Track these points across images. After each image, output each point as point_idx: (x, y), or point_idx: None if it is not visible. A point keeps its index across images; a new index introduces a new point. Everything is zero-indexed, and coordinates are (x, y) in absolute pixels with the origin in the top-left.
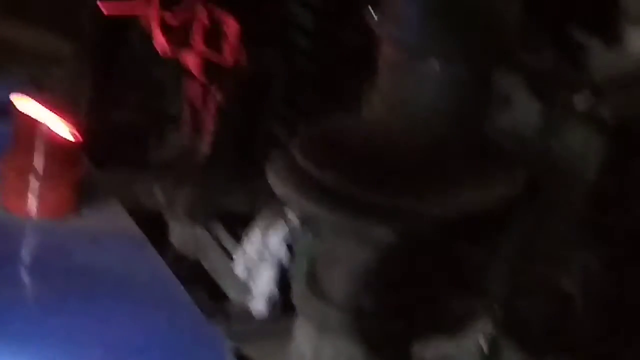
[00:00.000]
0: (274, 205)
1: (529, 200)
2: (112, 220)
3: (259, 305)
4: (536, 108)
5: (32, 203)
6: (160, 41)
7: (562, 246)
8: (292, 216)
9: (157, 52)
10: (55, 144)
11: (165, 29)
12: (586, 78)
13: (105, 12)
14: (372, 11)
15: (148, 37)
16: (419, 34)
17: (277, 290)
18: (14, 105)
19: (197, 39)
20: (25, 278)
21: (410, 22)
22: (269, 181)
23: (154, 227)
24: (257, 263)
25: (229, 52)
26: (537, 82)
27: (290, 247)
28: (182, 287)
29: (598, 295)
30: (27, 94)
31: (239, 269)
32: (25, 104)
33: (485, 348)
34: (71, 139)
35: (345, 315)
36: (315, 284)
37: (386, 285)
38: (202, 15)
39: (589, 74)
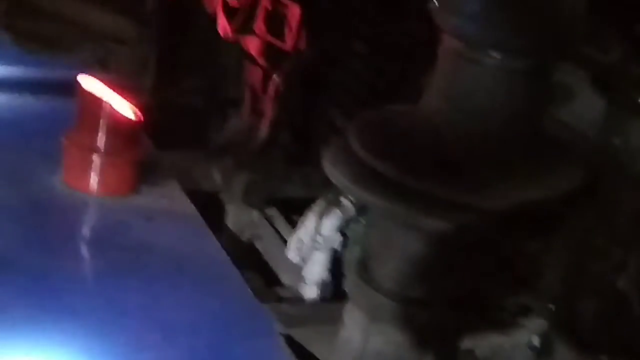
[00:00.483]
0: (330, 192)
1: (587, 196)
2: (170, 200)
3: (310, 290)
4: (599, 103)
5: (93, 180)
6: (223, 25)
7: (619, 244)
8: (346, 203)
9: (220, 36)
10: (118, 123)
11: (228, 13)
12: None
13: None
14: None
15: (211, 21)
16: (480, 25)
17: (329, 276)
18: (80, 85)
19: (259, 24)
20: (84, 253)
21: (472, 12)
22: (324, 168)
23: (210, 209)
24: (310, 249)
25: (290, 37)
26: (602, 77)
27: (344, 234)
28: (235, 270)
29: None
30: (93, 74)
31: (292, 254)
32: (90, 83)
33: (537, 344)
34: (134, 118)
35: (396, 304)
36: (366, 272)
37: (438, 277)
38: (264, 0)
39: None
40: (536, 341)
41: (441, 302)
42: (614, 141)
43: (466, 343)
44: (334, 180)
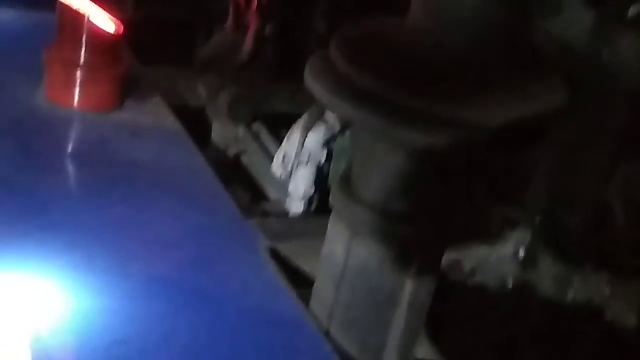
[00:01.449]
0: (315, 107)
1: (573, 110)
2: (154, 115)
3: (295, 205)
4: (588, 15)
5: (76, 96)
6: None
7: (605, 157)
8: (331, 118)
9: None
10: (99, 38)
11: None
12: None
13: None
14: None
15: None
16: None
17: (314, 191)
18: None
19: None
20: (69, 169)
21: None
22: (305, 82)
23: (195, 124)
24: (295, 163)
25: None
26: None
27: (329, 149)
28: (221, 184)
29: (638, 208)
30: None
31: (278, 168)
32: None
33: (522, 256)
34: (116, 33)
35: (378, 217)
36: (350, 186)
37: (421, 191)
38: None
39: None
40: (521, 253)
41: (424, 216)
42: (603, 53)
43: (452, 255)
44: (314, 93)
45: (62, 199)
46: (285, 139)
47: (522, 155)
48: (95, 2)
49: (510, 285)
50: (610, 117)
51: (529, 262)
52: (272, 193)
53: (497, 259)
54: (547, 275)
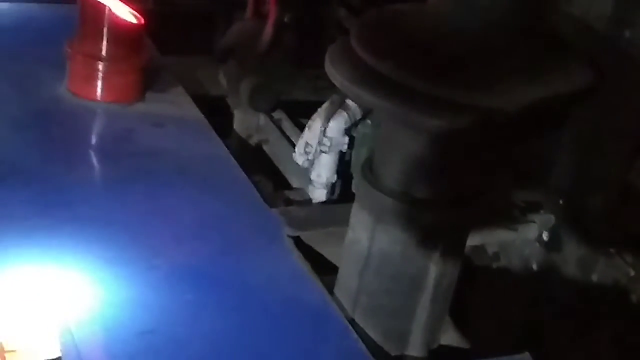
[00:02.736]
0: (336, 94)
1: (596, 92)
2: (176, 105)
3: (318, 193)
4: None
5: (98, 88)
6: None
7: (628, 137)
8: (353, 105)
9: None
10: (121, 29)
11: None
12: None
13: None
14: None
15: None
16: None
17: (336, 178)
18: None
19: None
20: (93, 161)
21: None
22: (325, 69)
23: (217, 114)
24: (318, 151)
25: None
26: None
27: (350, 136)
28: (243, 174)
29: None
30: None
31: (300, 157)
32: None
33: (546, 239)
34: (137, 24)
35: (400, 204)
36: (372, 173)
37: (442, 177)
38: None
39: None
40: (545, 236)
41: (446, 202)
42: (624, 35)
43: (476, 240)
44: (334, 80)
45: (87, 191)
46: (306, 127)
47: (544, 139)
48: None
49: (534, 268)
50: (633, 99)
51: (553, 244)
52: (294, 181)
53: (521, 242)
54: (571, 257)
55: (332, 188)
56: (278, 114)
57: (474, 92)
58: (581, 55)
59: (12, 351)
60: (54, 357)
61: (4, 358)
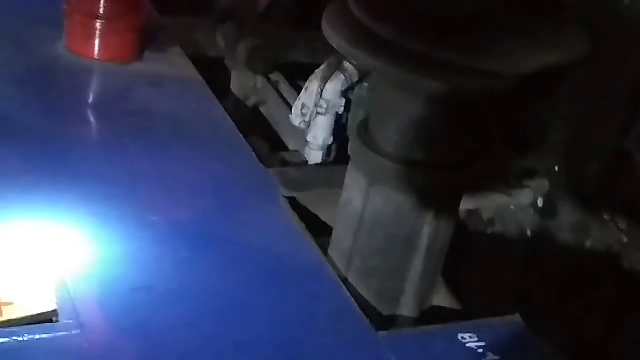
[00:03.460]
0: (333, 56)
1: (591, 58)
2: (174, 65)
3: (315, 154)
4: None
5: (96, 46)
6: None
7: (623, 106)
8: (350, 67)
9: None
10: None
11: None
12: None
13: None
14: None
15: None
16: None
17: (332, 140)
18: None
19: None
20: (90, 119)
21: None
22: (323, 31)
23: (214, 74)
24: (314, 113)
25: None
26: None
27: (347, 98)
28: (240, 135)
29: None
30: None
31: (297, 118)
32: None
33: (541, 205)
34: None
35: (395, 165)
36: (368, 135)
37: (436, 139)
38: None
39: None
40: (540, 202)
41: (441, 164)
42: (624, 1)
43: (470, 204)
44: (331, 42)
45: (84, 149)
46: (303, 89)
47: (540, 105)
48: None
49: (529, 234)
50: (629, 65)
51: (547, 211)
52: (290, 143)
53: (515, 208)
54: (565, 223)
55: (328, 150)
56: (275, 76)
57: (473, 55)
58: (579, 21)
59: (9, 304)
60: (50, 309)
61: (1, 310)
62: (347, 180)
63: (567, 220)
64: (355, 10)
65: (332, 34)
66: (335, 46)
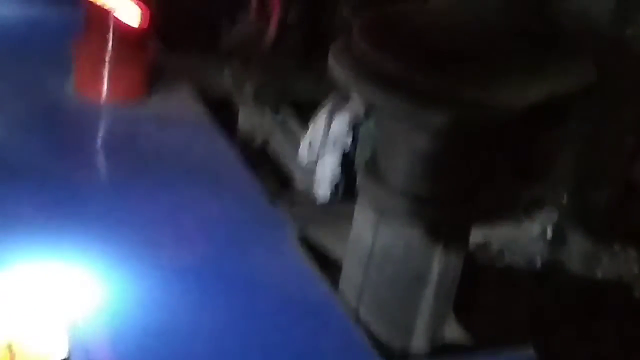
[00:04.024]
0: (339, 92)
1: (598, 88)
2: (181, 103)
3: (322, 189)
4: None
5: (104, 87)
6: None
7: (631, 134)
8: (356, 103)
9: None
10: (125, 31)
11: None
12: None
13: None
14: None
15: None
16: None
17: (340, 175)
18: None
19: None
20: (99, 159)
21: None
22: (328, 67)
23: (222, 112)
24: (322, 148)
25: None
26: None
27: (354, 134)
28: (249, 172)
29: None
30: None
31: (304, 155)
32: None
33: (550, 236)
34: (140, 25)
35: (404, 200)
36: (375, 170)
37: (444, 172)
38: None
39: None
40: (549, 232)
41: (449, 198)
42: (626, 33)
43: (480, 237)
44: (336, 77)
45: (94, 189)
46: (310, 125)
47: (547, 135)
48: None
49: (539, 265)
50: (635, 96)
51: (557, 241)
52: (299, 179)
53: (525, 239)
54: (575, 254)
55: (336, 186)
56: (283, 112)
57: (477, 88)
58: (584, 52)
59: (21, 347)
60: (62, 358)
61: (13, 354)
62: (357, 215)
63: (577, 250)
64: (360, 45)
65: (337, 69)
66: (340, 81)
